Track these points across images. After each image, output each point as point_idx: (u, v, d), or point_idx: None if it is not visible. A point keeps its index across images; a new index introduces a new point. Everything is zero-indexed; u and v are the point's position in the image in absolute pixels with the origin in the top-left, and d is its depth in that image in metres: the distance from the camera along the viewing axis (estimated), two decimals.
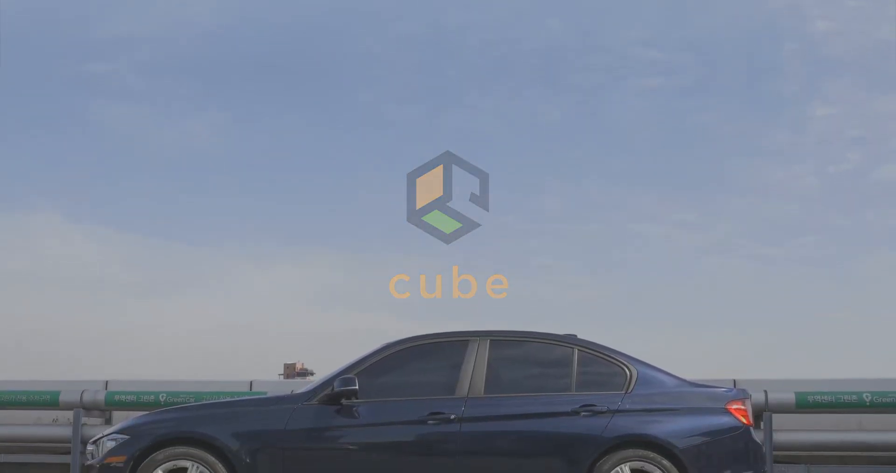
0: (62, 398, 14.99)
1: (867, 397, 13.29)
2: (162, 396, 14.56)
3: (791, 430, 13.60)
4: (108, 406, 15.01)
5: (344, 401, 7.54)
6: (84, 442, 14.04)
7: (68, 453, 14.90)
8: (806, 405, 13.50)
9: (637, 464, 7.47)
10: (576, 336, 8.20)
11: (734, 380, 13.40)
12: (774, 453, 13.23)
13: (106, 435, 7.75)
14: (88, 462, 7.80)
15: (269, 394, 9.88)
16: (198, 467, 7.41)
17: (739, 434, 7.72)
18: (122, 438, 7.59)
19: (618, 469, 7.44)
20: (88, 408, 14.98)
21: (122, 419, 11.23)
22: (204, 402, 9.31)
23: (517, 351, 8.06)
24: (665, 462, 7.45)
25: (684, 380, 7.99)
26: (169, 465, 7.43)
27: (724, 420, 7.73)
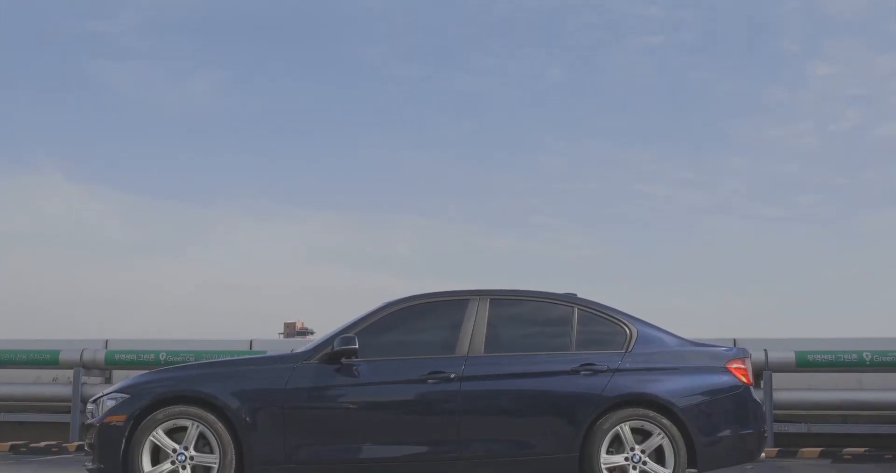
0: (62, 357, 15.06)
1: (867, 356, 13.34)
2: (162, 355, 14.63)
3: (791, 389, 13.67)
4: (107, 365, 15.09)
5: (344, 360, 7.54)
6: (84, 401, 14.13)
7: (68, 412, 15.00)
8: (806, 364, 13.56)
9: (637, 423, 7.48)
10: (576, 295, 8.19)
11: (734, 339, 13.45)
12: (774, 411, 13.30)
13: (106, 394, 7.75)
14: (88, 421, 7.80)
15: (269, 353, 9.87)
16: (197, 426, 7.41)
17: (739, 393, 7.72)
18: (121, 397, 7.58)
19: (618, 427, 7.45)
20: (88, 367, 15.06)
21: (121, 378, 11.27)
22: (204, 361, 9.30)
23: (517, 310, 8.05)
24: (665, 420, 7.46)
25: (684, 339, 7.98)
26: (169, 424, 7.43)
27: (724, 379, 7.73)
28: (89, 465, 7.70)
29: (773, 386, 13.26)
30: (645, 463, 7.44)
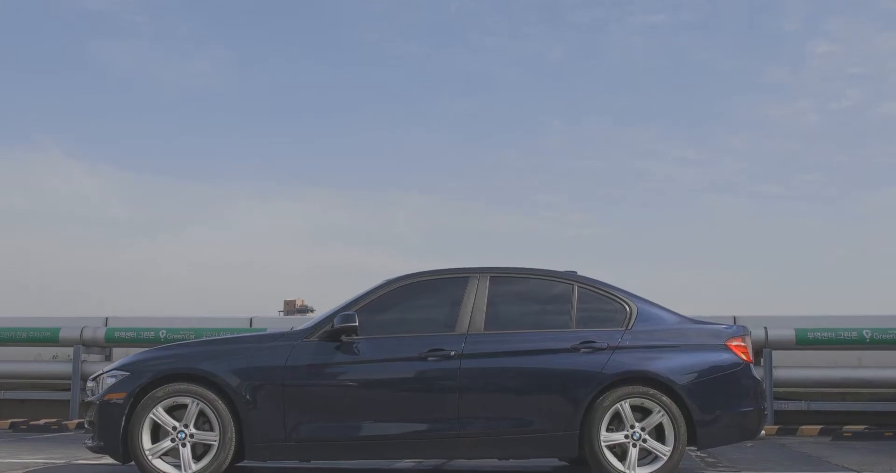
0: (62, 334, 15.07)
1: (867, 334, 13.35)
2: (162, 332, 14.65)
3: (791, 367, 13.69)
4: (107, 343, 15.10)
5: (344, 338, 7.54)
6: (84, 379, 14.14)
7: (68, 389, 15.03)
8: (806, 341, 13.57)
9: (637, 401, 7.48)
10: (576, 272, 8.18)
11: (734, 317, 13.47)
12: (774, 389, 13.33)
13: (106, 372, 7.75)
14: (88, 399, 7.81)
15: (269, 331, 9.87)
16: (198, 403, 7.41)
17: (739, 371, 7.72)
18: (121, 374, 7.58)
19: (618, 405, 7.45)
20: (88, 345, 15.08)
21: (121, 355, 11.28)
22: (204, 339, 9.30)
23: (517, 288, 8.04)
24: (665, 398, 7.46)
25: (684, 317, 7.98)
26: (169, 402, 7.44)
27: (724, 357, 7.72)
28: (89, 442, 7.71)
29: (773, 364, 13.27)
30: (645, 441, 7.44)
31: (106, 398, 7.50)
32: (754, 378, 7.81)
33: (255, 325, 14.96)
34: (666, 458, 7.39)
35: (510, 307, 7.94)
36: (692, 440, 7.51)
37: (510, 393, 7.57)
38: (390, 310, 7.84)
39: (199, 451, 7.43)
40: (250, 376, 7.46)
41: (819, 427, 12.92)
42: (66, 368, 14.96)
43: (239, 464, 7.94)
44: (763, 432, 7.93)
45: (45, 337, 15.11)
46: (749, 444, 10.72)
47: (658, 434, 7.49)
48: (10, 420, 14.11)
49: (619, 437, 7.44)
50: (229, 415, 7.38)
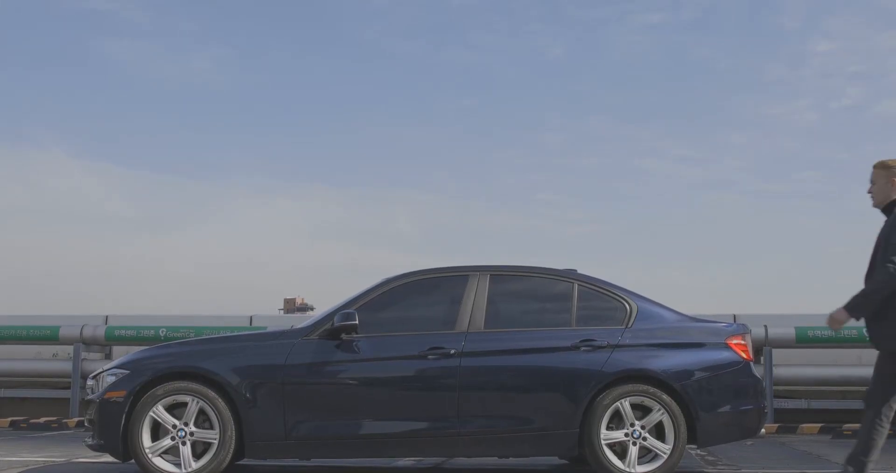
0: (62, 333, 15.08)
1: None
2: (162, 331, 14.65)
3: (791, 365, 13.69)
4: (108, 341, 15.11)
5: (344, 336, 7.54)
6: (84, 377, 14.15)
7: (68, 388, 15.03)
8: (806, 340, 13.57)
9: (637, 399, 7.48)
10: (576, 270, 8.18)
11: (734, 315, 13.47)
12: (774, 387, 13.33)
13: (106, 370, 7.76)
14: (88, 397, 7.82)
15: (269, 329, 9.88)
16: (198, 402, 7.42)
17: (739, 369, 7.72)
18: (121, 373, 7.59)
19: (618, 403, 7.45)
20: (88, 343, 15.08)
21: (122, 353, 11.27)
22: (204, 337, 9.30)
23: (517, 286, 8.04)
24: (665, 396, 7.46)
25: (684, 315, 7.98)
26: (169, 400, 7.45)
27: (724, 355, 7.72)
28: (89, 441, 7.72)
29: (773, 362, 13.26)
30: (645, 439, 7.45)
31: (106, 396, 7.51)
32: (754, 376, 7.81)
33: (255, 323, 14.97)
34: (666, 456, 7.39)
35: (510, 305, 7.94)
36: (692, 438, 7.51)
37: (510, 392, 7.57)
38: (390, 309, 7.84)
39: (199, 449, 7.44)
40: (250, 374, 7.47)
41: (819, 425, 12.92)
42: (66, 366, 14.95)
43: (239, 463, 7.95)
44: (763, 430, 7.93)
45: (45, 335, 15.11)
46: (749, 442, 10.72)
47: (658, 432, 7.49)
48: (10, 419, 14.11)
49: (619, 435, 7.44)
50: (229, 414, 7.39)
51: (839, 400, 13.75)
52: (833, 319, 6.15)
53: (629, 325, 7.74)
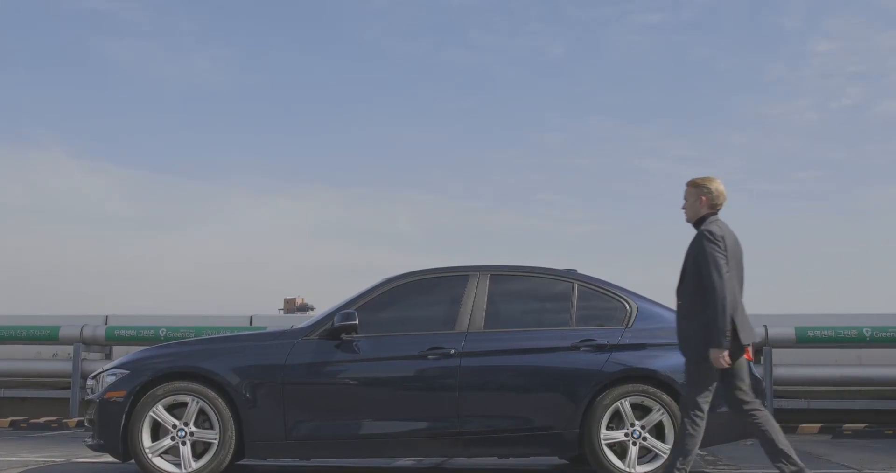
0: (62, 333, 15.08)
1: (867, 332, 13.35)
2: (162, 331, 14.65)
3: (791, 365, 13.69)
4: (107, 341, 15.11)
5: (344, 336, 7.54)
6: (84, 377, 14.15)
7: (68, 388, 15.03)
8: (806, 340, 13.57)
9: (637, 399, 7.48)
10: (576, 270, 8.18)
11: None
12: (774, 387, 13.33)
13: (106, 370, 7.76)
14: (88, 397, 7.82)
15: (269, 329, 9.88)
16: (198, 402, 7.42)
17: None
18: (121, 373, 7.59)
19: (618, 403, 7.45)
20: (88, 343, 15.09)
21: (121, 353, 11.27)
22: (204, 337, 9.30)
23: (517, 286, 8.04)
24: (665, 396, 7.46)
25: None
26: (169, 400, 7.45)
27: None
28: (89, 441, 7.72)
29: (773, 362, 13.26)
30: (645, 439, 7.45)
31: (106, 396, 7.51)
32: (754, 376, 7.80)
33: (255, 323, 14.97)
34: (666, 456, 7.38)
35: (510, 305, 7.94)
36: None
37: (510, 392, 7.57)
38: (390, 309, 7.84)
39: (199, 449, 7.44)
40: (250, 374, 7.47)
41: (819, 425, 12.92)
42: (67, 366, 14.95)
43: (239, 463, 7.95)
44: None
45: (46, 335, 15.11)
46: (749, 442, 10.70)
47: (658, 432, 7.49)
48: (10, 419, 14.11)
49: (619, 435, 7.44)
50: (229, 414, 7.39)
51: (839, 400, 13.75)
52: (714, 360, 6.31)
53: (629, 325, 7.74)
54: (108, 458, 8.32)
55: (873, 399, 13.72)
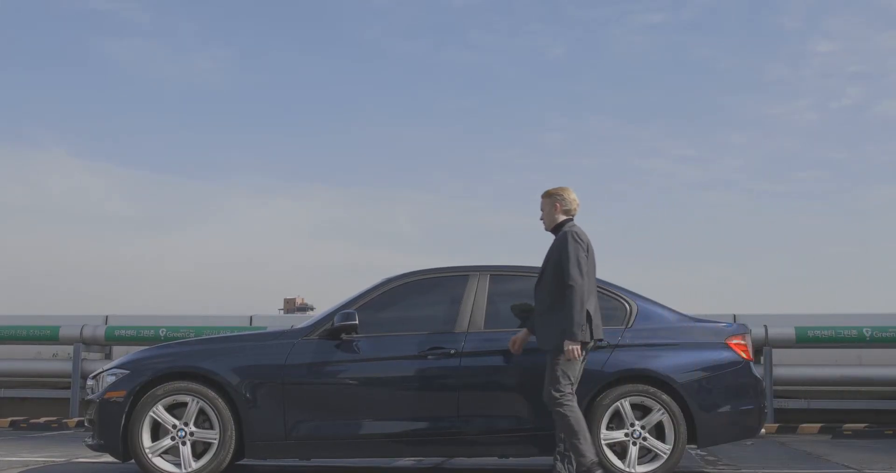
0: (62, 333, 15.08)
1: (867, 332, 13.36)
2: (162, 331, 14.66)
3: (791, 365, 13.69)
4: (107, 341, 15.12)
5: (344, 336, 7.54)
6: (84, 377, 14.15)
7: (68, 387, 15.04)
8: (806, 340, 13.57)
9: (637, 399, 7.47)
10: None
11: (734, 315, 13.47)
12: (774, 387, 13.33)
13: (106, 370, 7.76)
14: (88, 397, 7.82)
15: (269, 329, 9.87)
16: (198, 402, 7.42)
17: (739, 369, 7.71)
18: (121, 373, 7.59)
19: (618, 403, 7.44)
20: (88, 343, 15.09)
21: (121, 353, 11.28)
22: (204, 337, 9.30)
23: (517, 286, 8.02)
24: (665, 396, 7.45)
25: (684, 315, 7.97)
26: (169, 400, 7.44)
27: (724, 355, 7.72)
28: (89, 441, 7.72)
29: (773, 362, 13.26)
30: (645, 439, 7.43)
31: (106, 396, 7.51)
32: (754, 376, 7.81)
33: (255, 323, 14.97)
34: (666, 456, 7.38)
35: (510, 305, 7.93)
36: (692, 438, 7.50)
37: (510, 392, 7.56)
38: (390, 309, 7.83)
39: (199, 449, 7.44)
40: (250, 374, 7.47)
41: (819, 425, 12.93)
42: (66, 366, 14.95)
43: (239, 463, 7.95)
44: (763, 430, 7.93)
45: (45, 335, 15.11)
46: (749, 442, 10.72)
47: (658, 432, 7.48)
48: (10, 419, 14.12)
49: (619, 435, 7.43)
50: (229, 414, 7.39)
51: (839, 400, 13.75)
52: (569, 352, 6.85)
53: (629, 325, 7.74)
54: (108, 458, 8.32)
55: (873, 399, 13.72)
